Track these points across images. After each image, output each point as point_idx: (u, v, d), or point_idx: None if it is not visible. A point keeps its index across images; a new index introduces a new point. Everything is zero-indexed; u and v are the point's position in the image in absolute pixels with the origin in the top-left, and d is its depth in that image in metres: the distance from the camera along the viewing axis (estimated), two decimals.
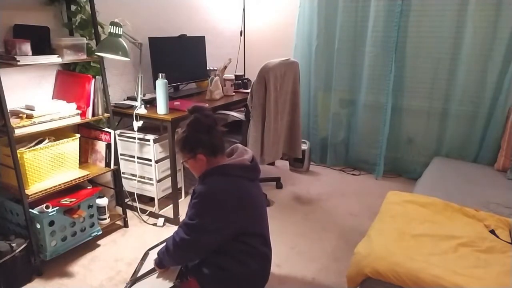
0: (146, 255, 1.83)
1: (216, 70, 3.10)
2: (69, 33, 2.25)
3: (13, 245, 1.85)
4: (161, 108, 2.32)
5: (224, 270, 1.54)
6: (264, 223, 1.65)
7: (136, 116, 2.39)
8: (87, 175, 2.17)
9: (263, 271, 1.64)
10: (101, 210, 2.31)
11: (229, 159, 1.61)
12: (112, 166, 2.31)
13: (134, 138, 2.49)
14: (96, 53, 2.12)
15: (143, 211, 2.63)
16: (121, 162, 2.52)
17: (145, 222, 2.55)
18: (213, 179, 1.51)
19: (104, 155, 2.30)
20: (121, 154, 2.56)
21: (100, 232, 2.24)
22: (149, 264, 1.71)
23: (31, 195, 1.89)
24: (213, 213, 1.47)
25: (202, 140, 1.53)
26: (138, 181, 2.61)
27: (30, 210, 1.90)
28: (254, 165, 1.61)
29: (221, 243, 1.53)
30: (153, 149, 2.44)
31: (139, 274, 1.69)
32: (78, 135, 2.18)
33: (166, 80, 2.28)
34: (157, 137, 2.46)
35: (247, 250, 1.55)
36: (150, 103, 2.54)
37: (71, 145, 2.14)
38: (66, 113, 2.03)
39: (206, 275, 1.56)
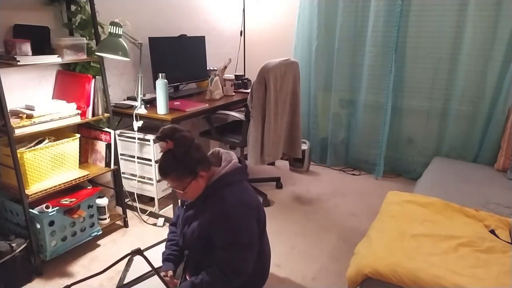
0: (131, 261, 1.80)
1: (216, 70, 3.10)
2: (69, 33, 2.25)
3: (13, 245, 1.85)
4: (161, 108, 2.33)
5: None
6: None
7: (136, 116, 2.39)
8: (87, 175, 2.17)
9: (263, 270, 1.64)
10: (101, 210, 2.31)
11: (222, 166, 1.55)
12: (112, 166, 2.31)
13: (134, 138, 2.49)
14: (96, 53, 2.12)
15: (143, 211, 2.63)
16: (121, 162, 2.52)
17: (145, 222, 2.55)
18: (222, 194, 1.47)
19: (104, 155, 2.30)
20: (121, 154, 2.56)
21: (100, 232, 2.25)
22: (135, 271, 1.68)
23: (31, 195, 1.89)
24: (245, 226, 1.46)
25: (196, 156, 1.45)
26: (138, 181, 2.61)
27: (30, 210, 1.90)
28: (244, 165, 1.60)
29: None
30: (153, 149, 2.44)
31: (125, 281, 1.66)
32: (78, 135, 2.18)
33: (166, 80, 2.28)
34: None
35: None
36: (150, 103, 2.54)
37: (71, 145, 2.14)
38: (66, 113, 2.03)
39: None
